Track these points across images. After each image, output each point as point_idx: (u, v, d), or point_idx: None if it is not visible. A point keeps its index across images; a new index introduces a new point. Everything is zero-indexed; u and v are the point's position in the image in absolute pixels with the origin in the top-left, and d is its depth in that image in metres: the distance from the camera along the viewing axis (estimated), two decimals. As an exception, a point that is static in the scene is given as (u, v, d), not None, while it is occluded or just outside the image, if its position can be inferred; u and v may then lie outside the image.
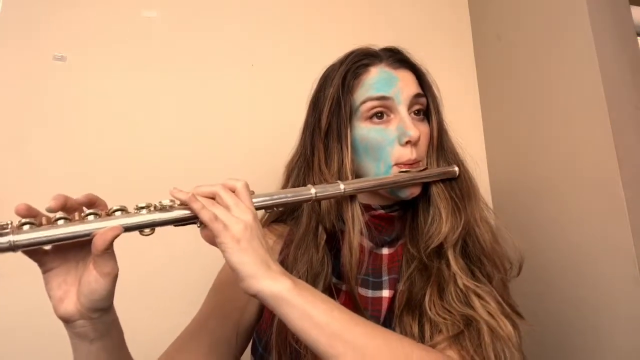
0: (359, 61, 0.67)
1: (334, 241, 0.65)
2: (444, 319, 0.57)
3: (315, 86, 0.73)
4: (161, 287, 0.89)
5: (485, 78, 1.23)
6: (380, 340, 0.49)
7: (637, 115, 0.86)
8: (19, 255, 0.44)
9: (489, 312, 0.57)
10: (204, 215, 0.48)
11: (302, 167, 0.69)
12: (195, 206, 0.48)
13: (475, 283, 0.60)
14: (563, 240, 0.93)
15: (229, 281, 0.68)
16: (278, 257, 0.69)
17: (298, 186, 0.67)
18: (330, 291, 0.62)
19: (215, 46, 1.03)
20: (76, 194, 0.85)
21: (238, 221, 0.48)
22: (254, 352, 0.69)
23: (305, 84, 1.06)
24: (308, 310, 0.47)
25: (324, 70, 0.72)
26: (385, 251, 0.69)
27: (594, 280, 0.86)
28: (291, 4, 1.12)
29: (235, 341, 0.67)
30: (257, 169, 1.00)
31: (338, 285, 0.65)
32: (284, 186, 0.73)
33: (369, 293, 0.66)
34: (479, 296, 0.59)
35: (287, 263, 0.63)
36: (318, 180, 0.64)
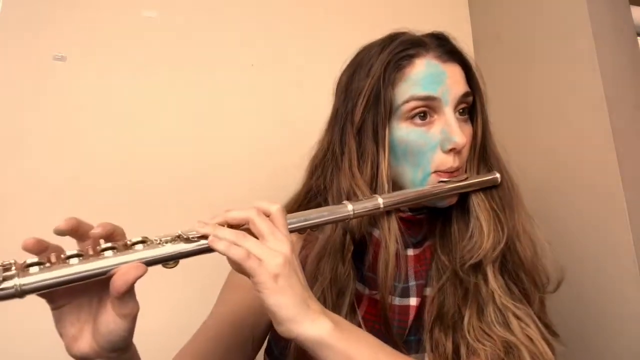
0: (403, 50, 0.59)
1: (360, 245, 0.60)
2: (483, 345, 0.54)
3: (345, 68, 0.65)
4: (168, 288, 0.89)
5: (485, 78, 1.23)
6: None
7: (637, 115, 0.86)
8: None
9: (529, 337, 0.54)
10: (234, 255, 0.43)
11: (330, 167, 0.62)
12: (220, 247, 0.43)
13: (514, 303, 0.57)
14: (563, 241, 0.93)
15: (243, 282, 0.61)
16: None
17: (324, 187, 0.62)
18: (352, 305, 0.58)
19: (215, 46, 1.03)
20: (76, 194, 0.86)
21: (275, 255, 0.43)
22: (269, 353, 0.66)
23: (305, 83, 1.07)
24: (351, 355, 0.44)
25: (358, 51, 0.64)
26: (410, 252, 0.63)
27: (594, 281, 0.86)
28: (291, 3, 1.12)
29: (252, 345, 0.64)
30: (257, 168, 1.00)
31: (360, 289, 0.61)
32: (305, 184, 0.67)
33: (396, 300, 0.61)
34: (517, 317, 0.56)
35: (306, 269, 0.58)
36: (348, 184, 0.57)
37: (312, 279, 0.57)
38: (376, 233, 0.59)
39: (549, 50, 0.99)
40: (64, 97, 0.91)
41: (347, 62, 0.66)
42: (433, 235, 0.65)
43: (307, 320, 0.43)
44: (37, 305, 0.40)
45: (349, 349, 0.44)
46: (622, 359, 0.80)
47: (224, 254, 0.43)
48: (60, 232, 0.40)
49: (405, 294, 0.61)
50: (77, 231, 0.41)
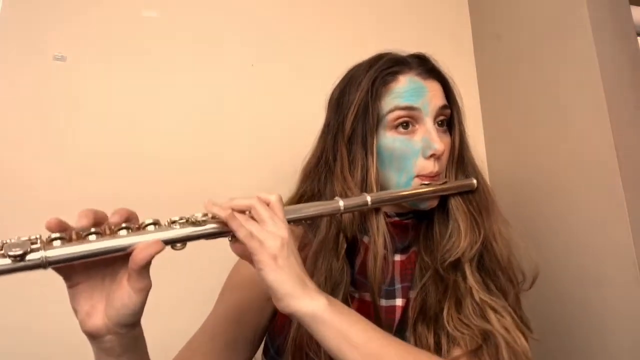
0: (388, 68, 0.65)
1: (352, 250, 0.64)
2: (462, 333, 0.58)
3: (336, 85, 0.71)
4: (168, 288, 0.89)
5: (485, 78, 1.23)
6: None
7: (637, 115, 0.86)
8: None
9: (505, 327, 0.58)
10: (241, 233, 0.47)
11: (324, 172, 0.67)
12: (234, 224, 0.48)
13: (491, 297, 0.61)
14: (563, 240, 0.93)
15: (244, 283, 0.67)
16: None
17: (318, 190, 0.67)
18: (346, 300, 0.61)
19: (215, 46, 1.03)
20: (76, 194, 0.86)
21: (275, 237, 0.48)
22: (265, 353, 0.69)
23: (305, 83, 1.07)
24: (344, 330, 0.47)
25: (348, 70, 0.70)
26: (397, 257, 0.68)
27: (594, 281, 0.86)
28: (291, 4, 1.12)
29: (250, 344, 0.67)
30: (256, 168, 1.00)
31: (352, 292, 0.65)
32: (299, 188, 0.71)
33: (383, 302, 0.65)
34: (494, 310, 0.59)
35: (305, 268, 0.60)
36: (341, 187, 0.63)
37: (309, 275, 0.59)
38: (366, 239, 0.64)
39: (549, 50, 0.99)
40: (64, 97, 0.91)
41: (338, 79, 0.71)
42: (418, 241, 0.69)
43: (304, 296, 0.47)
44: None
45: (342, 325, 0.47)
46: (622, 358, 0.80)
47: (235, 231, 0.47)
48: (83, 228, 0.43)
49: (391, 295, 0.66)
50: (95, 221, 0.44)
